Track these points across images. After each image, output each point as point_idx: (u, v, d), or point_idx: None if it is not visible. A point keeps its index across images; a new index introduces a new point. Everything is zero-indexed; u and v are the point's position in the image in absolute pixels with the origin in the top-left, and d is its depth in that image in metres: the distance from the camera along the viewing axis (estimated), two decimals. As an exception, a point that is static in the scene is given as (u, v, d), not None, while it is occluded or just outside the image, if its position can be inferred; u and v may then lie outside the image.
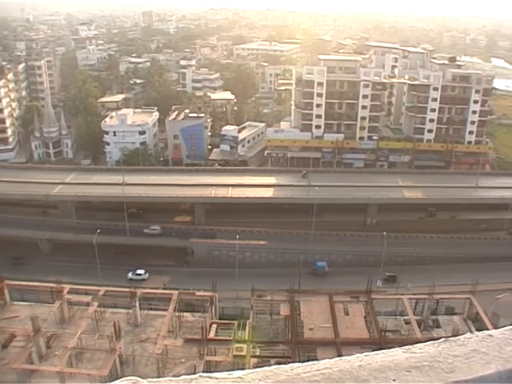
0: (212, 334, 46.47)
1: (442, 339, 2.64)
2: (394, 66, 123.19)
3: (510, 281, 74.10)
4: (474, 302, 59.05)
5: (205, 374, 2.36)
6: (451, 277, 73.19)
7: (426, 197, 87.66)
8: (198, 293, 54.14)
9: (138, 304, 49.13)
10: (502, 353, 2.50)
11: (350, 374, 2.33)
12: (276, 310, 53.16)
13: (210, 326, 47.80)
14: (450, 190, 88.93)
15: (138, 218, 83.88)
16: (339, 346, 44.72)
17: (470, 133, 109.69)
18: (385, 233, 75.35)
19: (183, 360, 43.92)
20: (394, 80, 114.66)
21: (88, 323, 47.26)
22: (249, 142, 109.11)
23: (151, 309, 52.05)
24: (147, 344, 45.81)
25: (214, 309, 52.00)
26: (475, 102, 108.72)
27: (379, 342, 45.17)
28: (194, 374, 2.42)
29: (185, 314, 50.84)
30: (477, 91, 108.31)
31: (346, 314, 53.88)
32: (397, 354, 2.49)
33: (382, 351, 2.51)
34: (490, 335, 2.66)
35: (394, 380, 2.31)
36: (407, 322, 55.43)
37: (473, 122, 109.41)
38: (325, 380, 2.28)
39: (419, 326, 53.16)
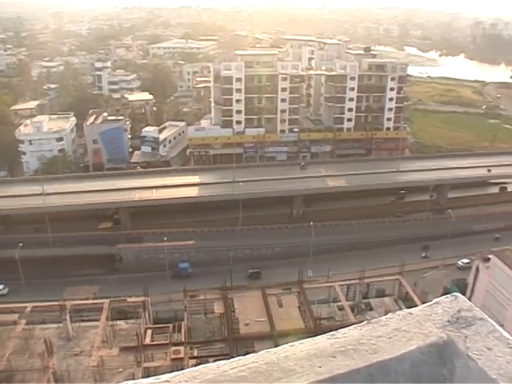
0: (148, 340, 45.61)
1: (365, 322, 2.66)
2: (310, 58, 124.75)
3: (435, 259, 77.15)
4: (402, 283, 60.88)
5: (130, 382, 2.20)
6: (380, 260, 75.23)
7: (350, 184, 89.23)
8: (129, 299, 53.02)
9: (68, 317, 47.50)
10: (422, 329, 2.56)
11: (277, 365, 2.32)
12: (210, 308, 53.03)
13: (145, 331, 46.84)
14: (373, 175, 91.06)
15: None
16: (276, 338, 44.83)
17: (388, 119, 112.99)
18: (311, 223, 76.48)
19: (120, 369, 43.11)
20: (311, 72, 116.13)
21: (16, 343, 45.13)
22: (170, 142, 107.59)
23: (83, 320, 50.55)
24: (82, 357, 44.52)
25: (147, 314, 51.07)
26: (391, 89, 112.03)
27: (314, 330, 45.50)
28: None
29: (118, 322, 49.95)
30: (392, 79, 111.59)
31: (280, 306, 54.26)
32: (321, 341, 2.49)
33: (307, 340, 2.49)
34: (411, 313, 2.71)
35: (319, 367, 2.32)
36: (341, 308, 56.33)
37: (390, 109, 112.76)
38: (252, 374, 2.27)
39: (353, 311, 54.26)
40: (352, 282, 61.60)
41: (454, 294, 2.88)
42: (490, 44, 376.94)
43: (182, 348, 44.14)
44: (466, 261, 76.57)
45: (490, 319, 2.69)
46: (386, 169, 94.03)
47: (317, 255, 74.99)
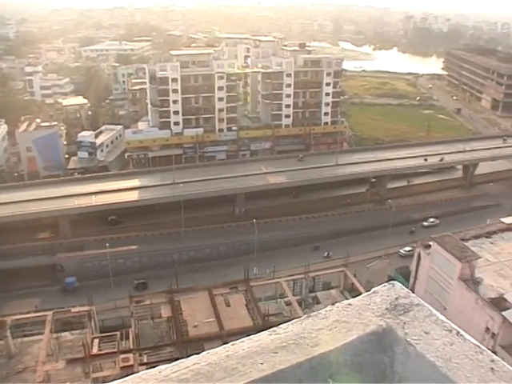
0: (95, 350, 44.87)
1: (305, 315, 2.67)
2: (246, 56, 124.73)
3: (379, 249, 78.63)
4: (347, 274, 61.96)
5: None
6: (325, 253, 76.25)
7: (290, 180, 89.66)
8: (73, 309, 52.04)
9: (9, 333, 45.54)
10: (362, 318, 2.61)
11: (219, 365, 2.33)
12: (157, 313, 52.40)
13: (92, 341, 45.99)
14: (313, 170, 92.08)
15: None
16: (225, 337, 44.56)
17: (326, 114, 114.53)
18: (254, 220, 76.61)
19: (68, 383, 41.67)
20: (247, 70, 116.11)
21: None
22: (107, 146, 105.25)
23: (25, 335, 48.62)
24: (26, 374, 42.84)
25: (93, 323, 50.09)
26: (327, 84, 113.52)
27: (263, 327, 45.20)
28: None
29: (63, 333, 48.41)
30: (328, 74, 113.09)
31: (228, 305, 54.22)
32: (263, 338, 2.50)
33: (249, 337, 2.50)
34: (350, 304, 2.74)
35: (261, 363, 2.33)
36: (288, 304, 56.75)
37: (327, 104, 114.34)
38: (194, 376, 2.27)
39: (300, 306, 54.70)
40: (298, 276, 62.17)
41: (392, 282, 2.91)
42: (421, 37, 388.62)
43: (130, 355, 43.74)
44: (408, 249, 78.51)
45: (426, 304, 2.76)
46: (325, 163, 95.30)
47: (261, 252, 75.31)
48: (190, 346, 45.72)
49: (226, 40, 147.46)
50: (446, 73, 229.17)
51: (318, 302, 57.26)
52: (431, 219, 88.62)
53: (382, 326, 2.57)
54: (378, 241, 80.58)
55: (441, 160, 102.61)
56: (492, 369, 2.33)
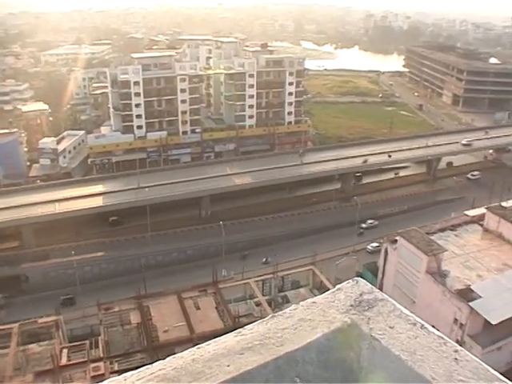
0: (64, 360, 43.68)
1: (270, 315, 2.69)
2: (208, 58, 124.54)
3: (346, 246, 79.22)
4: (316, 272, 62.21)
5: None
6: (293, 252, 76.37)
7: (256, 180, 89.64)
8: (40, 320, 50.87)
9: (-28, 349, 44.50)
10: (326, 316, 2.63)
11: (185, 369, 2.33)
12: (127, 319, 51.44)
13: (61, 351, 44.86)
14: (278, 170, 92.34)
15: None
16: (196, 341, 44.10)
17: (289, 114, 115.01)
18: (221, 222, 76.38)
19: (37, 397, 40.80)
20: (210, 71, 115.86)
21: None
22: (70, 152, 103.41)
23: (-10, 349, 47.40)
24: (-7, 390, 41.82)
25: (61, 333, 49.02)
26: (290, 84, 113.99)
27: (233, 328, 45.21)
28: None
29: (30, 345, 46.95)
30: (290, 74, 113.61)
31: (198, 308, 53.89)
32: (228, 340, 2.52)
33: (214, 340, 2.51)
34: (314, 302, 2.76)
35: (228, 366, 2.34)
36: (258, 304, 56.63)
37: (290, 103, 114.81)
38: (160, 382, 2.27)
39: (270, 305, 54.69)
40: (267, 276, 62.25)
41: (356, 278, 2.92)
42: (382, 35, 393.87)
43: (101, 364, 42.99)
44: (375, 244, 79.12)
45: (390, 299, 2.76)
46: (290, 162, 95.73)
47: (230, 254, 75.27)
48: (160, 351, 45.17)
49: (188, 42, 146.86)
50: (407, 70, 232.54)
51: (288, 301, 57.35)
52: (370, 221, 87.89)
53: (347, 323, 2.59)
54: (346, 238, 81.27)
55: (389, 156, 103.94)
56: (456, 359, 2.38)
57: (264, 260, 76.58)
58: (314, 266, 64.28)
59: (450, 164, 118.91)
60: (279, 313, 2.71)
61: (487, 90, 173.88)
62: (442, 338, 2.51)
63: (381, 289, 64.42)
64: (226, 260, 73.28)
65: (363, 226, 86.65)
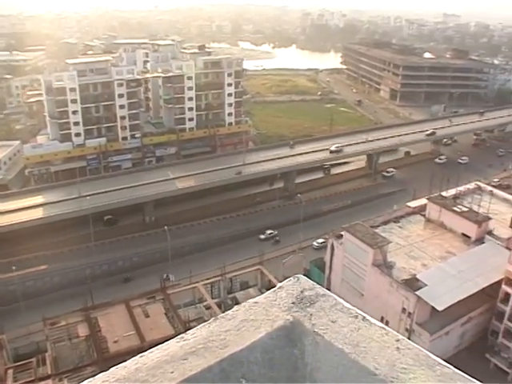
0: (10, 381, 42.47)
1: (213, 318, 2.69)
2: (145, 61, 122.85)
3: (292, 244, 79.78)
4: (264, 272, 62.45)
5: None
6: (240, 253, 76.37)
7: (199, 183, 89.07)
8: (-18, 341, 48.93)
9: None
10: (269, 315, 2.65)
11: (128, 379, 2.32)
12: (74, 332, 50.25)
13: (6, 372, 43.65)
14: (220, 171, 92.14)
15: None
16: (147, 349, 43.53)
17: (230, 115, 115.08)
18: (166, 227, 75.56)
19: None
20: (147, 75, 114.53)
21: None
22: (5, 163, 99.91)
23: None
24: None
25: (5, 352, 47.35)
26: (229, 84, 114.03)
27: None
28: None
29: (-28, 368, 45.48)
30: (229, 74, 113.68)
31: (147, 316, 53.25)
32: (171, 346, 2.51)
33: (157, 347, 2.52)
34: (256, 302, 2.79)
35: (171, 372, 2.34)
36: (208, 307, 56.45)
37: (230, 104, 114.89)
38: None
39: (220, 308, 54.48)
40: (215, 279, 62.06)
41: (296, 275, 2.93)
42: (319, 33, 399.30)
43: (49, 382, 42.00)
44: (320, 241, 80.00)
45: (331, 294, 2.79)
46: (232, 163, 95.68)
47: (176, 259, 74.67)
48: (111, 362, 43.57)
49: (124, 46, 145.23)
50: (344, 67, 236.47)
51: (237, 303, 56.17)
52: (268, 231, 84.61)
53: (290, 320, 2.60)
54: (291, 236, 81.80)
55: (331, 152, 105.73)
56: (398, 348, 2.43)
57: (165, 276, 70.04)
58: (262, 266, 64.52)
59: (407, 153, 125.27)
60: (222, 315, 2.69)
61: (423, 84, 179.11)
62: (384, 328, 2.56)
63: (329, 284, 65.37)
64: (173, 265, 72.58)
65: (261, 237, 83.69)
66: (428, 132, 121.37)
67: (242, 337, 2.51)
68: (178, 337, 2.56)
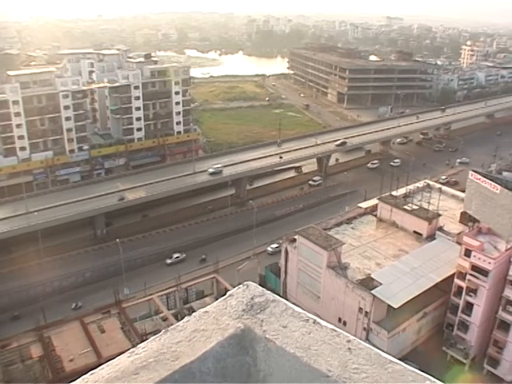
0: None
1: (163, 330, 2.68)
2: (91, 72, 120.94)
3: (246, 250, 79.78)
4: (219, 280, 62.32)
5: None
6: (195, 263, 76.17)
7: (149, 194, 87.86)
8: None
9: None
10: (219, 324, 2.65)
11: None
12: (27, 354, 49.14)
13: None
14: (171, 181, 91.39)
15: None
16: (102, 366, 42.77)
17: (178, 123, 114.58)
18: (118, 240, 74.44)
19: None
20: (93, 86, 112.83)
21: None
22: None
23: None
24: None
25: None
26: (177, 93, 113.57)
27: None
28: None
29: None
30: (176, 83, 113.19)
31: (103, 331, 52.63)
32: (122, 361, 2.49)
33: (107, 363, 2.50)
34: (207, 311, 2.78)
35: None
36: (164, 319, 56.03)
37: (178, 113, 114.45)
38: None
39: (177, 319, 53.83)
40: (170, 290, 61.60)
41: (246, 282, 2.95)
42: (265, 39, 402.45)
43: (2, 409, 40.51)
44: (274, 246, 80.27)
45: (282, 299, 2.82)
46: (182, 172, 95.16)
47: (130, 271, 73.61)
48: (67, 382, 43.32)
49: (68, 56, 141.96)
50: (291, 72, 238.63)
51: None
52: (176, 254, 79.63)
53: (240, 328, 2.61)
54: (245, 242, 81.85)
55: (280, 158, 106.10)
56: (349, 349, 2.47)
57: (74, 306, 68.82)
58: (217, 274, 64.39)
59: (368, 152, 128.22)
60: (172, 326, 2.66)
61: (369, 87, 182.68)
62: (335, 330, 2.59)
63: (285, 288, 65.68)
64: (127, 278, 71.57)
65: (168, 261, 78.74)
66: (337, 142, 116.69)
67: (194, 348, 2.49)
68: (129, 351, 2.52)
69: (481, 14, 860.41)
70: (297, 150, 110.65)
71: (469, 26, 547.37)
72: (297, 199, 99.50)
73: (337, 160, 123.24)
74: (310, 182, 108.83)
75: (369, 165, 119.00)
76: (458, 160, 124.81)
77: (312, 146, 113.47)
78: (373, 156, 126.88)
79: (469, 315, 55.53)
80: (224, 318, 2.69)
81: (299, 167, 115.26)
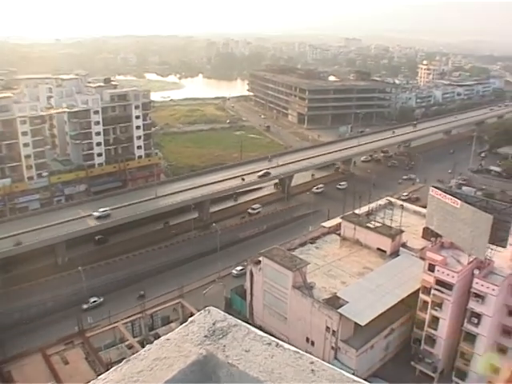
0: None
1: (125, 360, 2.65)
2: (49, 97, 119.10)
3: (211, 273, 79.27)
4: (185, 305, 61.76)
5: None
6: (159, 288, 75.05)
7: (110, 220, 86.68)
8: None
9: None
10: (181, 351, 2.62)
11: None
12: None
13: None
14: (133, 206, 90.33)
15: None
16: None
17: (139, 148, 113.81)
18: (80, 268, 73.09)
19: None
20: (52, 111, 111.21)
21: None
22: None
23: None
24: None
25: None
26: (137, 117, 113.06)
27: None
28: None
29: None
30: (136, 107, 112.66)
31: (66, 363, 51.63)
32: None
33: None
34: (168, 339, 2.76)
35: None
36: (130, 347, 55.00)
37: (139, 137, 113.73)
38: None
39: (142, 347, 52.52)
40: (135, 316, 60.71)
41: (207, 308, 2.92)
42: (225, 62, 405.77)
43: None
44: (239, 268, 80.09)
45: (244, 323, 2.81)
46: (144, 197, 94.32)
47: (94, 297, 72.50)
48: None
49: (26, 81, 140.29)
50: (252, 94, 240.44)
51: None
52: (92, 299, 74.24)
53: (203, 354, 2.58)
54: (209, 266, 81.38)
55: (242, 180, 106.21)
56: (312, 370, 2.46)
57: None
58: (183, 299, 63.80)
59: (337, 169, 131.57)
60: (134, 356, 2.64)
61: (329, 107, 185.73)
62: (298, 352, 2.57)
63: (251, 310, 65.37)
64: (90, 306, 70.29)
65: (84, 306, 73.00)
66: (260, 173, 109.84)
67: (155, 377, 2.44)
68: (90, 383, 2.42)
69: (436, 34, 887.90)
70: (259, 171, 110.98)
71: (425, 46, 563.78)
72: (260, 220, 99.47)
73: (312, 175, 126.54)
74: (249, 211, 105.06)
75: (313, 189, 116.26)
76: (404, 177, 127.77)
77: (273, 167, 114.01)
78: (336, 175, 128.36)
79: (435, 329, 56.13)
80: (186, 344, 2.66)
81: (260, 188, 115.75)
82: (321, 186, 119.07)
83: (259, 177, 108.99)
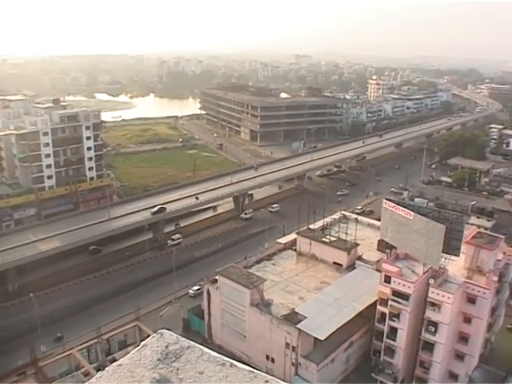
0: None
1: None
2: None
3: (167, 294, 78.16)
4: (142, 327, 60.60)
5: None
6: (117, 310, 73.72)
7: (65, 243, 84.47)
8: None
9: None
10: (134, 376, 2.55)
11: None
12: None
13: None
14: (85, 229, 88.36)
15: None
16: None
17: (90, 169, 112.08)
18: (31, 294, 70.73)
19: None
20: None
21: None
22: None
23: None
24: None
25: None
26: (88, 138, 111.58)
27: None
28: None
29: None
30: (87, 128, 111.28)
31: (17, 396, 49.28)
32: None
33: None
34: (120, 365, 2.72)
35: None
36: (86, 374, 53.46)
37: (90, 159, 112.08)
38: None
39: (100, 372, 51.52)
40: (91, 342, 59.11)
41: (160, 331, 2.92)
42: (176, 81, 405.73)
43: None
44: (196, 288, 79.34)
45: (197, 345, 2.78)
46: (97, 219, 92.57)
47: (46, 327, 69.37)
48: None
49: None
50: (204, 112, 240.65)
51: (118, 364, 54.84)
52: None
53: (156, 379, 2.52)
54: (166, 287, 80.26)
55: (196, 199, 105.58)
56: None
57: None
58: (139, 321, 62.58)
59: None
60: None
61: (281, 123, 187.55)
62: (253, 371, 2.55)
63: (210, 330, 64.68)
64: (43, 334, 67.83)
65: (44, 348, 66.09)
66: (154, 210, 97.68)
67: None
68: None
69: (383, 49, 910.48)
70: (213, 189, 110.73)
71: (374, 61, 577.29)
72: (215, 239, 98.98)
73: (280, 187, 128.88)
74: (169, 241, 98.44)
75: (242, 215, 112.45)
76: (339, 192, 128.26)
77: (227, 185, 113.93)
78: (290, 191, 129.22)
79: (394, 340, 56.58)
80: (139, 369, 2.59)
81: (215, 207, 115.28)
82: (250, 210, 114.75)
83: (152, 214, 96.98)
